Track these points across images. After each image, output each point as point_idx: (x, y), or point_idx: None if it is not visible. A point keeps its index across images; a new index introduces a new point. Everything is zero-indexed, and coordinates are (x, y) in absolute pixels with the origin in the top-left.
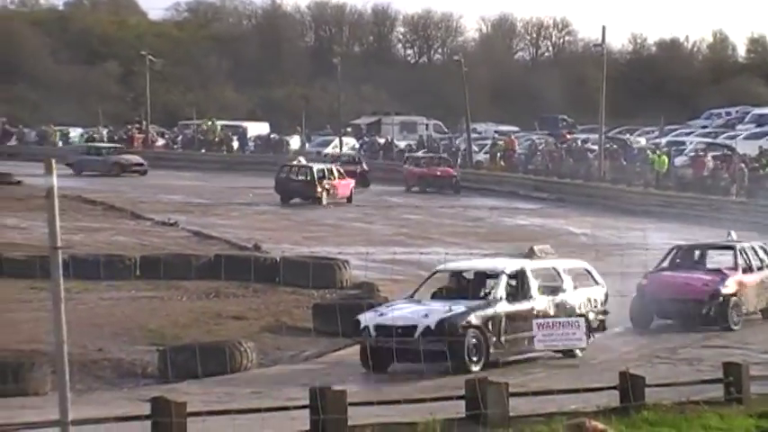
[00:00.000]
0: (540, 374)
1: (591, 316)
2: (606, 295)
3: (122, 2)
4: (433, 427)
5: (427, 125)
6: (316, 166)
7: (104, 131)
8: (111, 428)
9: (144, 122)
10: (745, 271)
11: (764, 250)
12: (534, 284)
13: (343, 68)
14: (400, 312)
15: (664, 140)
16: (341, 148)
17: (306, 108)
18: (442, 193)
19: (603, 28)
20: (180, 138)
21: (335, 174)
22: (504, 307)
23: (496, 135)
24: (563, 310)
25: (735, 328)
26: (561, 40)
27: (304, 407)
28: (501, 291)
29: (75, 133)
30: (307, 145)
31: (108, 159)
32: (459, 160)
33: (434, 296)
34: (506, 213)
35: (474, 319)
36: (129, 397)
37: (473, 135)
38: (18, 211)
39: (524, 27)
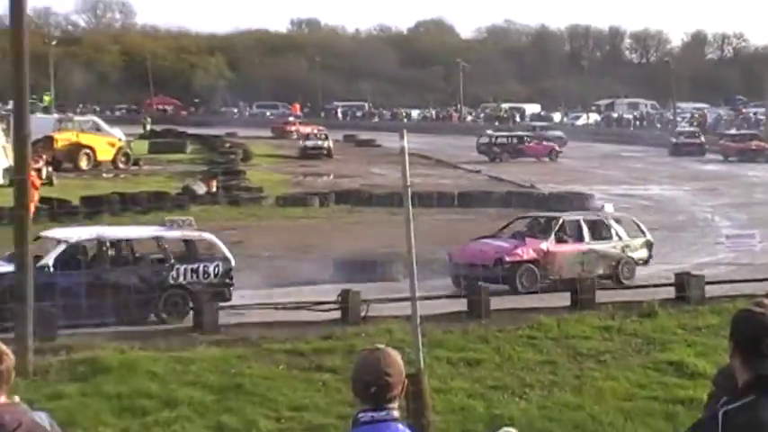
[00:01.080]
0: (727, 269)
1: (196, 288)
2: (228, 269)
3: (444, 26)
4: (653, 304)
5: (646, 104)
6: (494, 134)
7: (433, 111)
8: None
9: (458, 105)
10: (560, 241)
11: (636, 225)
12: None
13: (589, 67)
14: None
15: None
16: (588, 120)
17: (564, 94)
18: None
19: None
20: (482, 115)
21: (525, 141)
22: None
23: (694, 110)
24: (141, 282)
25: (524, 292)
26: (739, 45)
27: (563, 289)
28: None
29: (415, 113)
30: (564, 119)
31: None
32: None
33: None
34: (700, 163)
35: None
36: (447, 284)
37: (677, 110)
38: (379, 163)
39: (713, 37)
